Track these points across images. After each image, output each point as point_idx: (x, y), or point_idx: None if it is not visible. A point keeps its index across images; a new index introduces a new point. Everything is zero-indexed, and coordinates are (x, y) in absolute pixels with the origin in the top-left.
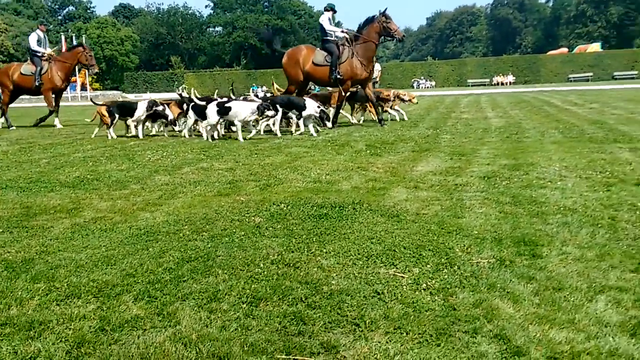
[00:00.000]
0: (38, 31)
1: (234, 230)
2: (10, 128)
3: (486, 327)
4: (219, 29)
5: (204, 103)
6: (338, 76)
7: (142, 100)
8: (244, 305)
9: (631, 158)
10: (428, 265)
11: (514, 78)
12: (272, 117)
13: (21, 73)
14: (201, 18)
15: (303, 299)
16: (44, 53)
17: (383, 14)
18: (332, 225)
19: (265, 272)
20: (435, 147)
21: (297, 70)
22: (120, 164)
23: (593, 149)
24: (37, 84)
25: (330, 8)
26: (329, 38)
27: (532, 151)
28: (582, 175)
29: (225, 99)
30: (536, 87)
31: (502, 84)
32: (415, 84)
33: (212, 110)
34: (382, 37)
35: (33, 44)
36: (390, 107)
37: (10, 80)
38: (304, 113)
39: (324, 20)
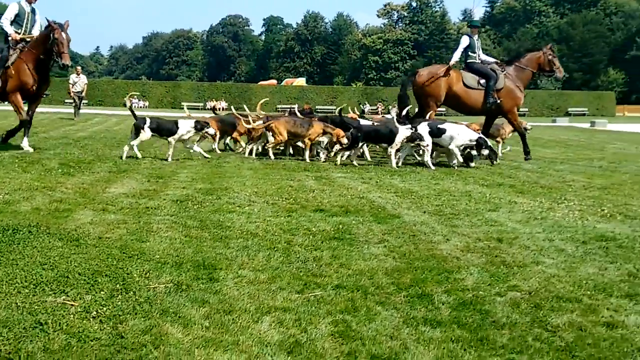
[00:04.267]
0: (23, 2)
1: None
2: None
3: (152, 354)
4: None
5: None
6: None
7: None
8: None
9: (315, 186)
10: (102, 292)
11: (227, 104)
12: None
13: None
14: None
15: None
16: (16, 36)
17: None
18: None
19: None
20: (134, 169)
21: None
22: None
23: (284, 176)
24: None
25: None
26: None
27: (229, 176)
28: (269, 201)
29: None
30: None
31: (216, 108)
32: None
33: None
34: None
35: (6, 20)
36: None
37: None
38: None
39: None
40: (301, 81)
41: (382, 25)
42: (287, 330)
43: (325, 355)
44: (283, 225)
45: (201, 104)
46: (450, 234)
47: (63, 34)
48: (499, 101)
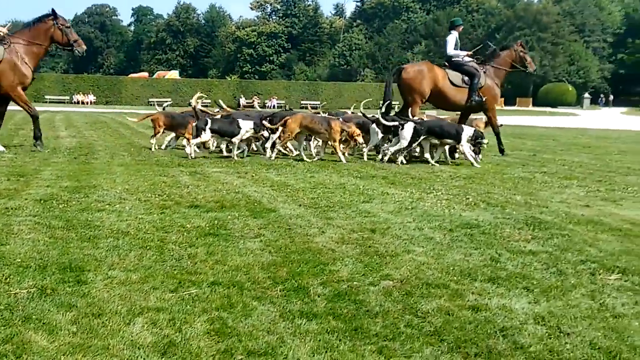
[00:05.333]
0: None
1: None
2: None
3: None
4: None
5: None
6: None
7: None
8: None
9: (189, 181)
10: None
11: (95, 98)
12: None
13: None
14: None
15: None
16: None
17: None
18: None
19: None
20: None
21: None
22: None
23: (157, 172)
24: None
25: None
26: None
27: (98, 173)
28: (141, 198)
29: None
30: (116, 108)
31: (83, 102)
32: None
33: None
34: None
35: None
36: None
37: None
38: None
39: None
40: (174, 74)
41: (256, 18)
42: (160, 331)
43: (201, 354)
44: (156, 222)
45: (67, 97)
46: (325, 227)
47: None
48: (483, 99)
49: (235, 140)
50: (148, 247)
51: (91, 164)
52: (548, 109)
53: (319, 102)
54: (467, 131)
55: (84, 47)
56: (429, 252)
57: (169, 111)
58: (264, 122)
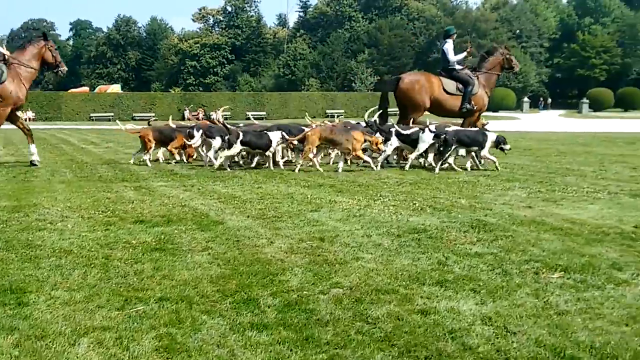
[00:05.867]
0: None
1: None
2: None
3: None
4: None
5: None
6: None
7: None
8: None
9: (134, 196)
10: None
11: (34, 114)
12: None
13: None
14: None
15: None
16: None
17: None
18: None
19: None
20: None
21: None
22: None
23: (101, 188)
24: None
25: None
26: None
27: (39, 191)
28: (84, 215)
29: None
30: (57, 124)
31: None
32: None
33: None
34: None
35: None
36: None
37: None
38: None
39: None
40: (116, 88)
41: (199, 30)
42: (107, 351)
43: None
44: (100, 239)
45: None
46: (274, 237)
47: None
48: (474, 107)
49: (268, 153)
50: (92, 265)
51: (31, 182)
52: (490, 113)
53: (264, 113)
54: (491, 137)
55: (66, 67)
56: (377, 258)
57: (157, 126)
58: (283, 134)
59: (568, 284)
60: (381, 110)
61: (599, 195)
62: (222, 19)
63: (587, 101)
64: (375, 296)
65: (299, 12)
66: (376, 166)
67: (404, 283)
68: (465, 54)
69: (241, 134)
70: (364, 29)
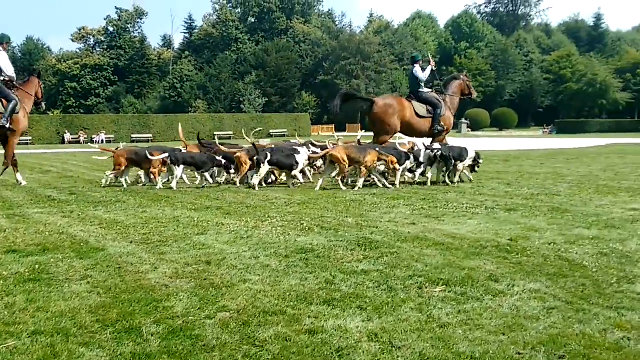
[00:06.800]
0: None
1: None
2: None
3: None
4: None
5: None
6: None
7: None
8: None
9: (6, 224)
10: None
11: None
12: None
13: None
14: None
15: None
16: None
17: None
18: None
19: None
20: None
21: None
22: None
23: None
24: (7, 125)
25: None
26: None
27: None
28: None
29: None
30: None
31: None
32: None
33: None
34: None
35: (8, 66)
36: None
37: None
38: None
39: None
40: None
41: (79, 50)
42: None
43: None
44: None
45: None
46: (158, 262)
47: None
48: (444, 128)
49: (295, 172)
50: None
51: None
52: None
53: (150, 135)
54: (471, 154)
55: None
56: (265, 279)
57: (131, 148)
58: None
59: (449, 297)
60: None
61: (477, 211)
62: (103, 39)
63: (467, 121)
64: (262, 318)
65: (184, 33)
66: (393, 184)
67: (291, 303)
68: (430, 68)
69: (268, 154)
70: (251, 51)
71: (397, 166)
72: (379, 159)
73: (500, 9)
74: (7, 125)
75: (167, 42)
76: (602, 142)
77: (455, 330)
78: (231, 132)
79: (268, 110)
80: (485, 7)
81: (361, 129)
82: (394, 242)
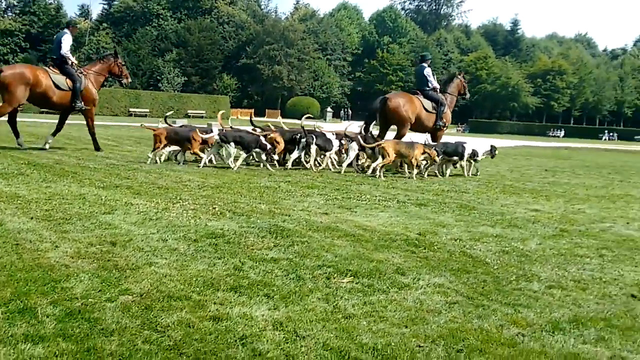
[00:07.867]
0: (69, 33)
1: None
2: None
3: None
4: None
5: None
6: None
7: None
8: None
9: None
10: None
11: None
12: None
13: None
14: None
15: None
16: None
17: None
18: None
19: None
20: None
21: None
22: None
23: None
24: (79, 105)
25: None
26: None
27: None
28: None
29: None
30: None
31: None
32: None
33: None
34: None
35: (68, 49)
36: None
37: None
38: None
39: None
40: None
41: None
42: None
43: None
44: None
45: None
46: (59, 240)
47: None
48: (445, 124)
49: (328, 154)
50: None
51: None
52: (297, 121)
53: None
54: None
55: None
56: (172, 263)
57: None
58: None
59: (357, 288)
60: (366, 125)
61: (389, 204)
62: (16, 3)
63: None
64: (166, 303)
65: (103, 4)
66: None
67: (197, 289)
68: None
69: (314, 137)
70: (173, 28)
71: (437, 159)
72: (423, 152)
73: (424, 7)
74: (79, 104)
75: (84, 12)
76: (512, 144)
77: (360, 321)
78: (147, 110)
79: (187, 90)
80: (410, 3)
81: (281, 115)
82: (306, 231)
